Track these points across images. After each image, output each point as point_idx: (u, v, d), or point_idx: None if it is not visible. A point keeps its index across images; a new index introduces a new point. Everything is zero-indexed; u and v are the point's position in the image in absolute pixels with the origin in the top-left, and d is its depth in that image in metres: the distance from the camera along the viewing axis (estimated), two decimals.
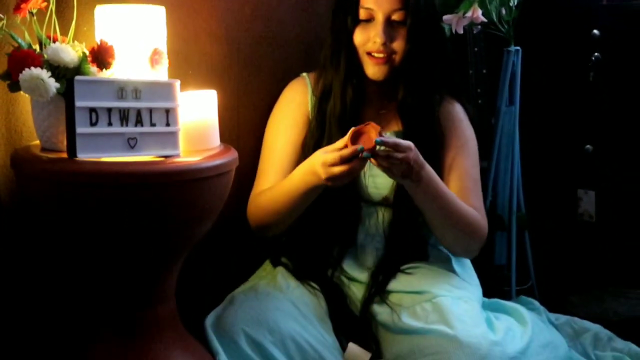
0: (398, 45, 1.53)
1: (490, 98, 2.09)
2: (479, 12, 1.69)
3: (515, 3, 1.77)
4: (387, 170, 1.40)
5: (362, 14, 1.53)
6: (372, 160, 1.38)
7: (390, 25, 1.52)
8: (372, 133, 1.36)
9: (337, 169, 1.37)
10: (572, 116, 2.18)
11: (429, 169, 1.45)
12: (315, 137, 1.59)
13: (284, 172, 1.58)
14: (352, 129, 1.38)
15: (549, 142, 2.20)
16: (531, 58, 1.92)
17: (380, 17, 1.52)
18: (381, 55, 1.53)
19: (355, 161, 1.37)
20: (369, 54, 1.54)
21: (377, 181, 1.58)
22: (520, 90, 1.88)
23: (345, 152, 1.37)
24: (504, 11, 1.78)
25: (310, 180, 1.44)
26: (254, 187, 1.62)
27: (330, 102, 1.58)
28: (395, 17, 1.52)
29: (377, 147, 1.35)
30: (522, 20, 1.81)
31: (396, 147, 1.37)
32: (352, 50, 1.55)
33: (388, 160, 1.37)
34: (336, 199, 1.55)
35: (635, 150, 2.13)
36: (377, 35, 1.51)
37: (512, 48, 1.84)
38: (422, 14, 1.53)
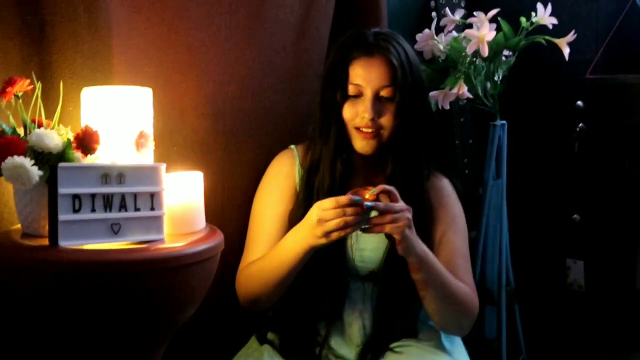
0: (386, 120, 1.54)
1: (477, 168, 2.10)
2: (465, 88, 1.71)
3: (500, 77, 1.79)
4: (386, 230, 1.39)
5: (351, 90, 1.54)
6: (373, 228, 1.38)
7: (378, 101, 1.53)
8: (367, 194, 1.37)
9: (332, 222, 1.35)
10: (559, 186, 2.19)
11: (420, 242, 1.45)
12: (302, 209, 1.57)
13: (272, 244, 1.56)
14: (348, 193, 1.38)
15: (537, 212, 2.21)
16: (517, 130, 1.93)
17: (368, 93, 1.53)
18: (369, 130, 1.53)
19: (350, 214, 1.35)
20: (357, 128, 1.55)
21: (364, 255, 1.57)
22: (507, 161, 1.89)
23: (342, 198, 1.36)
24: (489, 85, 1.80)
25: (303, 238, 1.42)
26: (242, 260, 1.60)
27: (318, 175, 1.58)
28: (384, 93, 1.53)
29: (375, 197, 1.36)
30: (507, 93, 1.82)
31: (395, 200, 1.39)
32: (341, 124, 1.55)
33: (387, 214, 1.37)
34: (322, 273, 1.53)
35: (621, 218, 2.13)
36: (366, 111, 1.52)
37: (498, 122, 1.85)
38: (410, 91, 1.54)
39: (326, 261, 1.45)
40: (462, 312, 1.54)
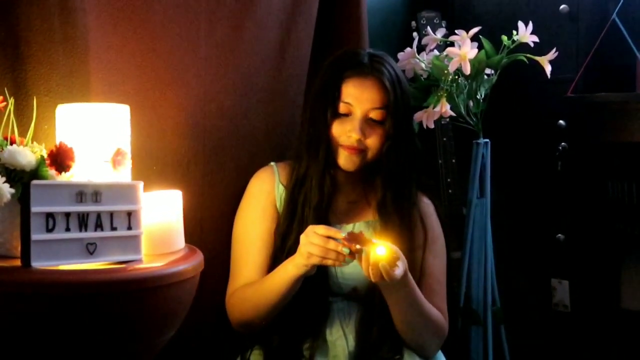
0: (372, 142, 1.54)
1: (460, 187, 2.09)
2: (447, 106, 1.70)
3: (483, 96, 1.79)
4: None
5: (342, 108, 1.53)
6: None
7: (366, 122, 1.53)
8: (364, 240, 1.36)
9: (317, 239, 1.36)
10: (542, 205, 2.19)
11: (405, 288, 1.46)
12: (283, 226, 1.57)
13: (259, 264, 1.56)
14: (349, 232, 1.37)
15: (521, 232, 2.20)
16: (500, 149, 1.92)
17: (358, 113, 1.53)
18: (354, 146, 1.53)
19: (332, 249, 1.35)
20: (342, 145, 1.54)
21: (345, 271, 1.54)
22: (490, 180, 1.88)
23: (334, 231, 1.37)
24: (471, 104, 1.79)
25: (292, 265, 1.43)
26: (230, 283, 1.59)
27: (303, 190, 1.56)
28: (373, 115, 1.53)
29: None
30: (489, 112, 1.82)
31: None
32: (329, 141, 1.55)
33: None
34: (303, 290, 1.50)
35: (605, 237, 2.13)
36: (353, 131, 1.52)
37: (481, 140, 1.84)
38: (400, 115, 1.55)
39: (307, 278, 1.44)
40: (430, 336, 1.56)
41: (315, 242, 1.37)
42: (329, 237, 1.36)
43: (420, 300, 1.51)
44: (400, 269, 1.39)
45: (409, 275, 1.46)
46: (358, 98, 1.52)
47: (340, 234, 1.37)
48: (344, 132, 1.53)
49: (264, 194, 1.61)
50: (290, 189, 1.58)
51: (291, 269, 1.44)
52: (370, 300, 1.55)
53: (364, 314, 1.57)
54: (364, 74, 1.54)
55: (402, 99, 1.55)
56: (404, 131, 1.57)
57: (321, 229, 1.38)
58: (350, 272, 1.54)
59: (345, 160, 1.54)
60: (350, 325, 1.57)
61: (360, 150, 1.53)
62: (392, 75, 1.54)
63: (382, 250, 1.34)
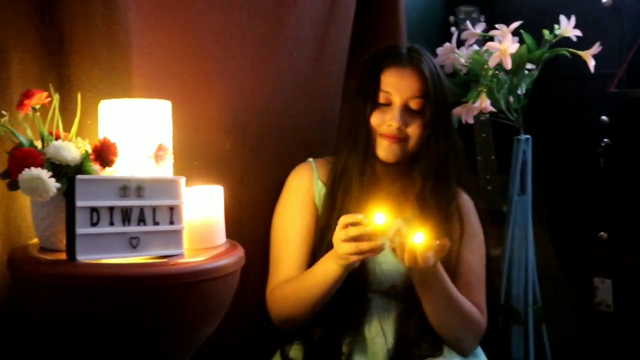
0: (412, 131, 1.54)
1: (500, 184, 2.06)
2: (488, 102, 1.68)
3: (524, 91, 1.76)
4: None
5: (381, 98, 1.54)
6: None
7: (406, 111, 1.54)
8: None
9: (346, 246, 1.35)
10: (585, 203, 2.15)
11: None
12: (323, 219, 1.57)
13: (299, 260, 1.56)
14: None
15: (563, 229, 2.16)
16: (541, 145, 1.89)
17: (397, 102, 1.53)
18: (395, 134, 1.53)
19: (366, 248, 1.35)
20: (382, 135, 1.54)
21: (384, 268, 1.55)
22: (531, 178, 1.85)
23: (353, 217, 1.36)
24: (512, 99, 1.77)
25: (332, 259, 1.42)
26: (269, 279, 1.59)
27: (343, 184, 1.56)
28: (413, 104, 1.54)
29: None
30: (530, 107, 1.79)
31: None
32: (369, 131, 1.55)
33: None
34: (343, 287, 1.50)
35: None
36: (393, 119, 1.52)
37: (522, 136, 1.81)
38: (438, 104, 1.55)
39: (348, 275, 1.44)
40: (466, 331, 1.54)
41: (346, 242, 1.36)
42: (353, 224, 1.35)
43: (454, 295, 1.50)
44: (433, 257, 1.38)
45: (441, 267, 1.45)
46: (397, 87, 1.53)
47: (358, 217, 1.35)
48: (384, 122, 1.53)
49: (303, 190, 1.61)
50: (330, 183, 1.58)
51: (332, 265, 1.43)
52: (409, 297, 1.53)
53: (402, 311, 1.56)
54: (403, 64, 1.55)
55: (440, 89, 1.55)
56: (443, 122, 1.56)
57: (342, 220, 1.37)
58: (389, 269, 1.54)
59: (385, 150, 1.54)
60: (388, 323, 1.56)
61: (400, 139, 1.53)
62: (430, 66, 1.56)
63: (420, 237, 1.34)
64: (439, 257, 1.40)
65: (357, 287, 1.54)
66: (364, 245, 1.35)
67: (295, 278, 1.53)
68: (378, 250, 1.36)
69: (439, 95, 1.55)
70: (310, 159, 1.66)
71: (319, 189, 1.60)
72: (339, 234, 1.37)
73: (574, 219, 2.17)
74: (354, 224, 1.35)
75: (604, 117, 2.09)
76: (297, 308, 1.51)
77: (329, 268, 1.44)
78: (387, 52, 1.58)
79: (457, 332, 1.54)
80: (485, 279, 1.63)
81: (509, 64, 1.65)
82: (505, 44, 1.66)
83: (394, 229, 1.35)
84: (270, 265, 1.60)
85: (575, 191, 2.17)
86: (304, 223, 1.58)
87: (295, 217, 1.59)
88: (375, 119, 1.54)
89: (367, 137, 1.54)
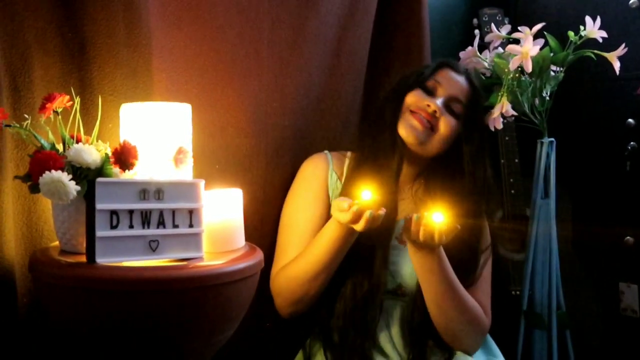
0: (443, 126, 1.56)
1: (523, 188, 2.04)
2: (509, 106, 1.66)
3: (548, 94, 1.73)
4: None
5: (430, 83, 1.59)
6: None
7: (445, 107, 1.58)
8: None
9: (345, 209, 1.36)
10: (610, 207, 2.11)
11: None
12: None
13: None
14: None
15: (587, 234, 2.13)
16: (565, 148, 1.87)
17: (442, 94, 1.58)
18: (426, 117, 1.54)
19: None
20: (413, 113, 1.56)
21: (391, 267, 1.55)
22: (555, 181, 1.82)
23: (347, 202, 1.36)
24: (536, 102, 1.74)
25: (331, 224, 1.44)
26: (274, 264, 1.58)
27: (360, 173, 1.55)
28: (454, 105, 1.58)
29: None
30: (554, 110, 1.76)
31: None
32: (399, 109, 1.57)
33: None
34: (355, 286, 1.52)
35: None
36: (433, 102, 1.56)
37: (546, 139, 1.78)
38: (474, 118, 1.60)
39: (358, 273, 1.49)
40: (465, 326, 1.52)
41: (344, 212, 1.36)
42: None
43: (456, 285, 1.49)
44: (445, 238, 1.38)
45: (443, 252, 1.45)
46: (449, 81, 1.59)
47: (345, 201, 1.35)
48: (421, 101, 1.56)
49: (317, 178, 1.61)
50: (349, 172, 1.60)
51: (334, 224, 1.43)
52: (417, 298, 1.54)
53: (412, 312, 1.56)
54: (459, 71, 1.63)
55: (479, 106, 1.63)
56: (475, 137, 1.59)
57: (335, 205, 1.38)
58: (397, 269, 1.55)
59: (408, 128, 1.55)
60: (394, 324, 1.56)
61: (430, 123, 1.55)
62: (478, 84, 1.64)
63: (439, 216, 1.35)
64: (449, 239, 1.40)
65: (368, 289, 1.53)
66: (362, 223, 1.34)
67: (298, 255, 1.52)
68: (377, 218, 1.35)
69: (477, 110, 1.61)
70: (326, 151, 1.66)
71: (334, 181, 1.61)
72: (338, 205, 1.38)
73: (599, 223, 2.13)
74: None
75: (630, 120, 2.05)
76: (304, 285, 1.48)
77: (331, 228, 1.44)
78: (444, 60, 1.65)
79: (456, 326, 1.52)
80: (490, 280, 1.63)
81: (529, 67, 1.63)
82: (526, 47, 1.64)
83: (399, 225, 1.35)
84: (276, 251, 1.59)
85: (600, 195, 2.13)
86: (315, 212, 1.58)
87: (308, 205, 1.59)
88: (410, 98, 1.57)
89: (395, 111, 1.56)
